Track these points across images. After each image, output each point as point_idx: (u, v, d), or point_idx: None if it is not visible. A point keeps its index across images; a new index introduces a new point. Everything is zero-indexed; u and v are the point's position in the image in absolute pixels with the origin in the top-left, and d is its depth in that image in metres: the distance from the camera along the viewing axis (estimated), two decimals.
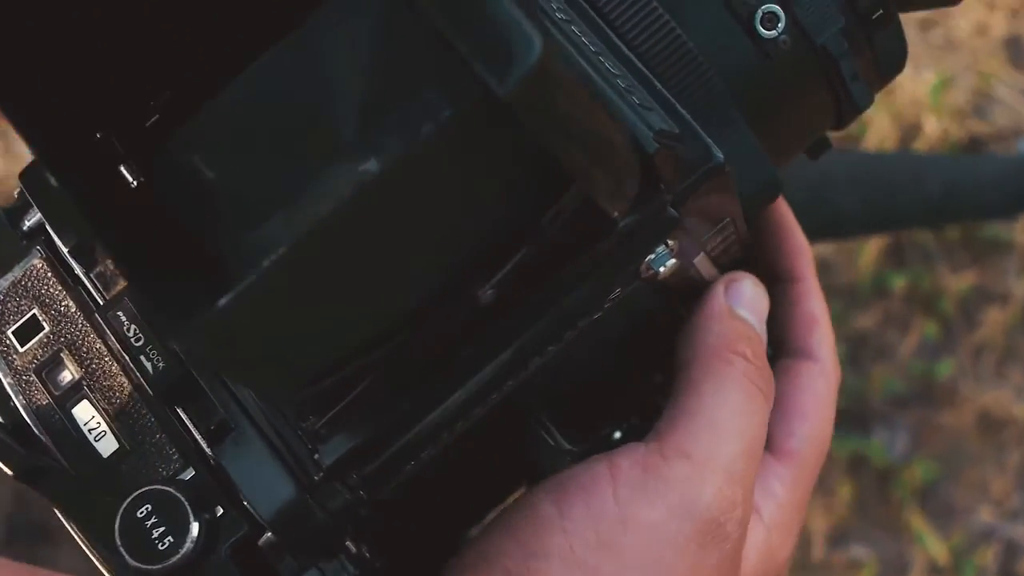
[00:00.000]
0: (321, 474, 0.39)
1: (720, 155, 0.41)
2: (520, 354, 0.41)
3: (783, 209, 0.53)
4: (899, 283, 1.41)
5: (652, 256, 0.41)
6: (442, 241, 0.35)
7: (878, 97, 0.48)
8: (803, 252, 0.52)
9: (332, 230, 0.31)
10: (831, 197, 0.68)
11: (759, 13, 0.44)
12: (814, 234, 0.70)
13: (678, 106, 0.41)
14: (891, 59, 0.47)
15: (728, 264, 0.48)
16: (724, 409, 0.44)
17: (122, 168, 0.38)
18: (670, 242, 0.41)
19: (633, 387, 0.47)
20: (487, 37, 0.29)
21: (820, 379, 0.50)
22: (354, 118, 0.35)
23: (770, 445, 0.49)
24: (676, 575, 0.42)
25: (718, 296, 0.46)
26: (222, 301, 0.31)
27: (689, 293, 0.47)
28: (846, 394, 1.38)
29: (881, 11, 0.45)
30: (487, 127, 0.31)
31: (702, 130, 0.42)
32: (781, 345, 0.51)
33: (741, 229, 0.45)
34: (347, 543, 0.41)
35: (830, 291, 1.43)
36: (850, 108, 0.46)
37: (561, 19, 0.40)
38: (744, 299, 0.46)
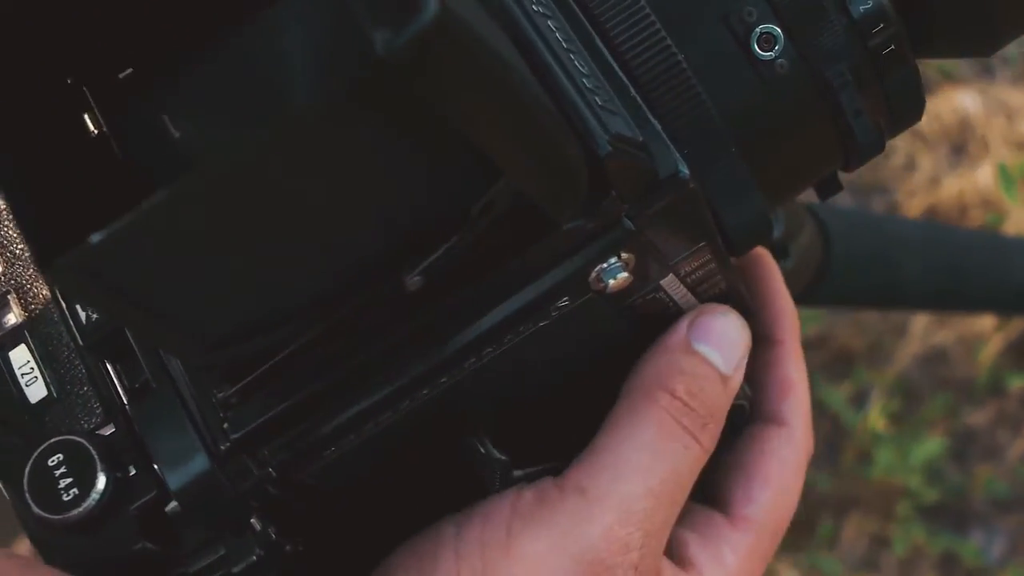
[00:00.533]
0: (228, 444, 0.38)
1: (686, 170, 0.39)
2: (453, 350, 0.39)
3: (770, 268, 0.51)
4: (1017, 383, 1.36)
5: (604, 266, 0.39)
6: (354, 216, 0.34)
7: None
8: (786, 314, 0.50)
9: (208, 185, 0.30)
10: (895, 258, 0.65)
11: (756, 32, 0.41)
12: (867, 295, 0.67)
13: (650, 116, 0.39)
14: (905, 103, 0.44)
15: (711, 299, 0.46)
16: (632, 446, 0.42)
17: (85, 117, 0.38)
18: (624, 255, 0.39)
19: (594, 418, 0.45)
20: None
21: (788, 446, 0.48)
22: (290, 86, 0.34)
23: (727, 509, 0.47)
24: None
25: (679, 327, 0.44)
26: (94, 238, 0.30)
27: (666, 324, 0.45)
28: (946, 489, 1.33)
29: (893, 47, 0.42)
30: (384, 95, 0.30)
31: (683, 151, 0.40)
32: (754, 409, 0.49)
33: (722, 259, 0.43)
34: (252, 520, 0.40)
35: (944, 382, 1.38)
36: (856, 148, 0.44)
37: (536, 11, 0.39)
38: (711, 334, 0.44)
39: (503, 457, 0.42)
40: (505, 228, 0.37)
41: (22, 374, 0.41)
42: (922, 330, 1.40)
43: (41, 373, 0.41)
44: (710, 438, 0.44)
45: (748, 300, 0.48)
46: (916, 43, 0.45)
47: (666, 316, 0.45)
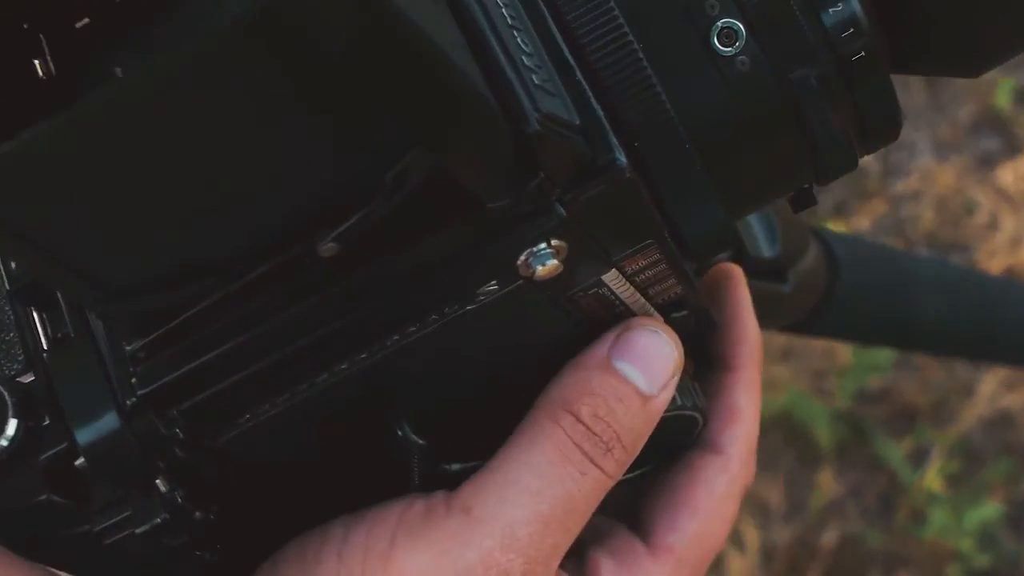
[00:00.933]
0: (134, 400, 0.38)
1: (623, 159, 0.38)
2: (372, 323, 0.38)
3: (738, 289, 0.49)
4: None
5: (532, 251, 0.38)
6: (258, 171, 0.33)
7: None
8: (746, 341, 0.48)
9: (90, 121, 0.30)
10: (912, 293, 0.63)
11: (717, 26, 0.40)
12: (878, 330, 0.65)
13: (594, 102, 0.38)
14: (878, 117, 0.42)
15: (666, 305, 0.44)
16: (524, 468, 0.41)
17: (36, 62, 0.38)
18: (554, 242, 0.38)
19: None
20: None
21: (721, 475, 0.46)
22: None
23: (649, 538, 0.45)
24: None
25: (602, 342, 0.42)
26: None
27: (613, 323, 0.43)
28: (999, 556, 1.29)
29: (863, 55, 0.41)
30: (280, 32, 0.29)
31: (632, 144, 0.39)
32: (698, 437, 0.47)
33: (674, 261, 0.42)
34: (158, 481, 0.39)
35: (1008, 448, 1.35)
36: (824, 160, 0.42)
37: None
38: (635, 351, 0.42)
39: (421, 441, 0.41)
40: (425, 201, 0.36)
41: None
42: (990, 392, 1.36)
43: None
44: (615, 464, 0.42)
45: (707, 309, 0.46)
46: (898, 57, 0.43)
47: (615, 318, 0.43)
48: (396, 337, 0.39)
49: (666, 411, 0.45)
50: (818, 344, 1.48)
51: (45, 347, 0.40)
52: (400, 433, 0.41)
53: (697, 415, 0.46)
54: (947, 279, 0.66)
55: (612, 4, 0.40)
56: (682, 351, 0.44)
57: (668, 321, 0.45)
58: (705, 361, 0.49)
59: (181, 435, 0.39)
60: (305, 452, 0.42)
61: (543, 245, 0.38)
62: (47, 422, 0.40)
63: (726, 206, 0.43)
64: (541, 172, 0.36)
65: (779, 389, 1.45)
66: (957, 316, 0.66)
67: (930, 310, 0.65)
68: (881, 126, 0.43)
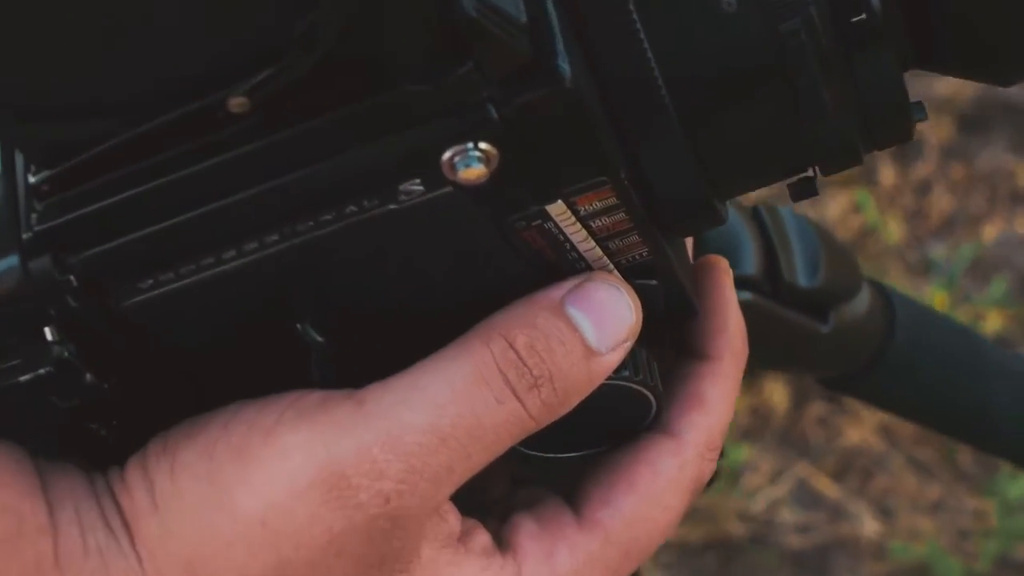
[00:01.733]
0: (30, 235, 0.36)
1: (567, 68, 0.35)
2: (284, 202, 0.36)
3: (722, 279, 0.46)
4: None
5: (457, 149, 0.35)
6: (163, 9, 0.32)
7: None
8: (725, 331, 0.45)
9: None
10: (984, 382, 0.58)
11: None
12: (934, 410, 0.60)
13: (549, 6, 0.36)
14: (881, 105, 0.39)
15: (632, 268, 0.41)
16: (436, 379, 0.38)
17: None
18: (482, 144, 0.35)
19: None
20: None
21: (671, 459, 0.43)
22: None
23: (579, 509, 0.42)
24: (292, 519, 0.37)
25: (558, 287, 0.40)
26: None
27: (571, 274, 0.41)
28: None
29: (864, 16, 0.37)
30: None
31: (602, 80, 0.37)
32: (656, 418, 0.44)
33: (634, 212, 0.39)
34: (46, 330, 0.38)
35: None
36: (815, 132, 0.39)
37: None
38: (591, 302, 0.40)
39: (319, 339, 0.38)
40: (344, 72, 0.34)
41: None
42: None
43: None
44: (540, 406, 0.39)
45: (684, 288, 0.43)
46: (920, 51, 0.40)
47: (570, 265, 0.40)
48: (310, 223, 0.37)
49: (616, 380, 0.42)
50: (970, 502, 1.41)
51: None
52: (299, 328, 0.38)
53: (648, 394, 0.43)
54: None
55: None
56: (641, 317, 0.41)
57: (633, 287, 0.42)
58: (683, 353, 0.46)
59: (75, 283, 0.37)
60: (211, 339, 0.40)
61: (470, 145, 0.35)
62: None
63: (707, 174, 0.40)
64: (471, 61, 0.34)
65: (921, 540, 1.39)
66: None
67: (1006, 405, 0.60)
68: (885, 115, 0.40)
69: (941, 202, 1.51)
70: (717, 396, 0.44)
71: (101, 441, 0.41)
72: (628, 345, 0.40)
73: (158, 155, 0.36)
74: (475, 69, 0.34)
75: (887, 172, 1.51)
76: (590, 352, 0.40)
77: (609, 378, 0.42)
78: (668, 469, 0.43)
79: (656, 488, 0.42)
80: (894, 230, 1.46)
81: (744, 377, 0.49)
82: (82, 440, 0.41)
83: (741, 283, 0.51)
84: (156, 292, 0.38)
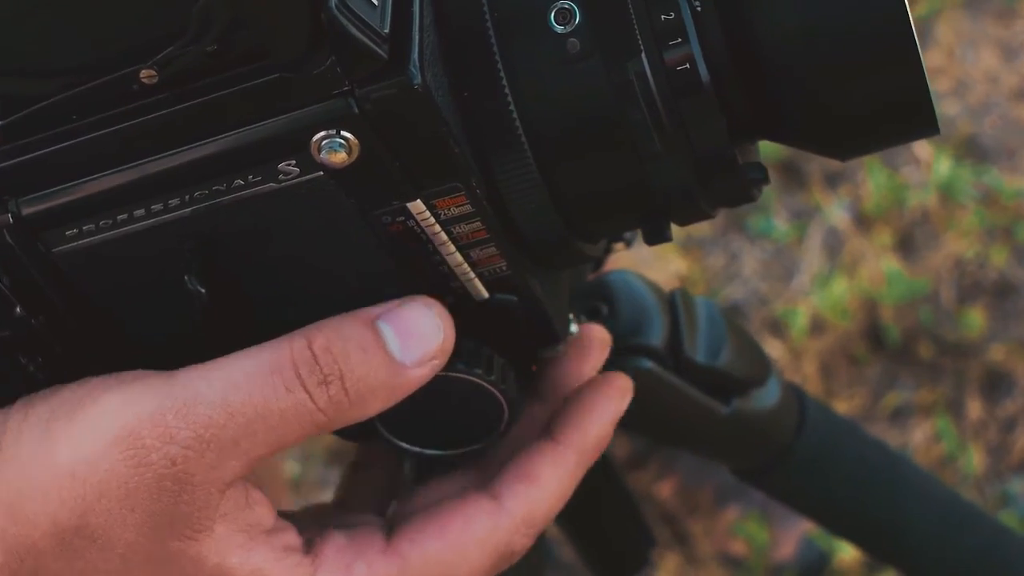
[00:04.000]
0: None
1: (418, 78, 0.42)
2: (183, 167, 0.44)
3: (596, 352, 0.51)
4: None
5: (324, 134, 0.43)
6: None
7: None
8: (581, 427, 0.49)
9: None
10: (897, 497, 0.61)
11: (555, 5, 0.45)
12: (848, 522, 0.64)
13: (415, 28, 0.43)
14: (713, 159, 0.45)
15: (492, 281, 0.48)
16: (237, 364, 0.44)
17: None
18: (344, 133, 0.43)
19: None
20: None
21: (486, 519, 0.47)
22: None
23: (390, 535, 0.47)
24: (95, 472, 0.43)
25: (380, 306, 0.45)
26: None
27: (435, 276, 0.47)
28: None
29: (687, 66, 0.44)
30: None
31: (460, 97, 0.44)
32: (481, 476, 0.49)
33: (487, 218, 0.45)
34: None
35: None
36: (654, 176, 0.45)
37: None
38: (401, 319, 0.45)
39: (201, 289, 0.45)
40: (233, 57, 0.42)
41: None
42: None
43: None
44: (327, 400, 0.44)
45: (546, 311, 0.49)
46: (763, 121, 0.46)
47: (433, 268, 0.47)
48: (205, 192, 0.45)
49: (468, 376, 0.48)
50: None
51: None
52: (186, 278, 0.45)
53: (499, 396, 0.48)
54: (947, 503, 0.64)
55: None
56: (452, 339, 0.46)
57: (492, 299, 0.48)
58: (545, 383, 0.52)
59: (11, 221, 0.45)
60: (123, 294, 0.47)
61: (334, 132, 0.43)
62: None
63: (564, 212, 0.47)
64: (331, 57, 0.42)
65: None
66: (957, 548, 0.64)
67: (920, 523, 0.63)
68: (718, 171, 0.46)
69: None
70: (550, 478, 0.48)
71: (30, 377, 0.48)
72: (437, 363, 0.46)
73: (85, 117, 0.44)
74: (337, 64, 0.42)
75: (974, 405, 1.54)
76: (393, 363, 0.45)
77: (461, 372, 0.48)
78: (480, 527, 0.47)
79: (463, 540, 0.47)
80: (976, 461, 1.48)
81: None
82: (12, 374, 0.48)
83: (644, 351, 0.57)
84: (79, 243, 0.45)
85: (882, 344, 1.57)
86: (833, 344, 1.56)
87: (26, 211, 0.45)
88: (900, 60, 0.44)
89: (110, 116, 0.44)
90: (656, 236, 0.48)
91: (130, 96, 0.43)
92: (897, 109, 0.45)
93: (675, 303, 0.59)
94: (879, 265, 1.59)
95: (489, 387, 0.48)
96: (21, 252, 0.45)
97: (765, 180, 0.47)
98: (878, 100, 0.45)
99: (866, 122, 0.46)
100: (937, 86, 1.76)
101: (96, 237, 0.45)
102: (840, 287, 1.56)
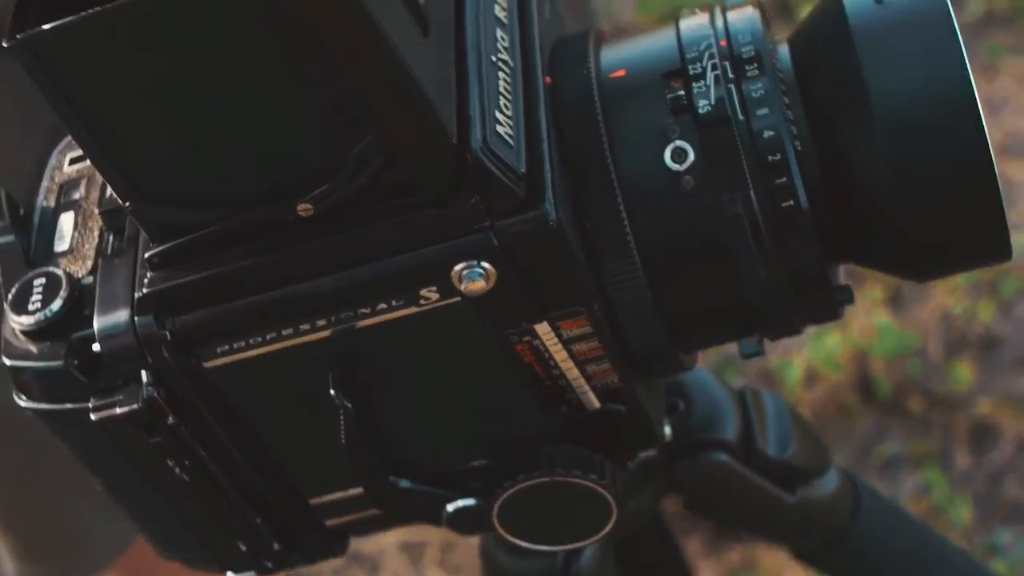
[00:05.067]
0: (140, 295, 0.48)
1: (552, 215, 0.47)
2: (331, 291, 0.48)
3: None
4: None
5: (465, 265, 0.47)
6: (262, 118, 0.44)
7: None
8: None
9: (142, 14, 0.42)
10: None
11: (673, 145, 0.49)
12: None
13: (547, 165, 0.47)
14: (808, 281, 0.49)
15: (604, 392, 0.52)
16: None
17: None
18: (484, 264, 0.47)
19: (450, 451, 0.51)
20: None
21: None
22: None
23: None
24: None
25: None
26: (48, 25, 0.42)
27: (553, 390, 0.51)
28: None
29: (792, 203, 0.48)
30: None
31: (584, 224, 0.48)
32: None
33: (606, 341, 0.50)
34: (143, 372, 0.49)
35: None
36: (756, 299, 0.50)
37: (500, 18, 0.48)
38: None
39: (348, 404, 0.49)
40: (382, 193, 0.46)
41: (60, 232, 0.53)
42: None
43: (72, 232, 0.53)
44: None
45: (649, 415, 0.53)
46: (845, 245, 0.51)
47: (554, 382, 0.51)
48: (351, 313, 0.48)
49: (581, 479, 0.52)
50: None
51: (106, 248, 0.52)
52: (333, 393, 0.49)
53: (610, 497, 0.53)
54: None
55: (596, 96, 0.50)
56: None
57: (603, 409, 0.52)
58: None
59: (169, 339, 0.49)
60: (268, 405, 0.51)
61: (474, 262, 0.47)
62: (87, 312, 0.51)
63: (669, 327, 0.51)
64: (475, 195, 0.46)
65: None
66: None
67: None
68: (813, 292, 0.50)
69: (1011, 491, 1.57)
70: None
71: (178, 482, 0.52)
72: None
73: (242, 245, 0.48)
74: (480, 202, 0.46)
75: (963, 457, 1.59)
76: None
77: (578, 478, 0.52)
78: None
79: None
80: (964, 512, 1.53)
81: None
82: (161, 475, 0.52)
83: (718, 445, 0.61)
84: (229, 358, 0.49)
85: (873, 396, 1.62)
86: (825, 396, 1.61)
87: (183, 329, 0.49)
88: (981, 199, 0.48)
89: (265, 244, 0.48)
90: (751, 349, 0.52)
91: (285, 226, 0.47)
92: (975, 239, 0.50)
93: (746, 400, 0.63)
94: (870, 319, 1.64)
95: (602, 491, 0.52)
96: (176, 366, 0.49)
97: (851, 300, 0.52)
98: (958, 232, 0.49)
99: (945, 250, 0.50)
100: None
101: (245, 353, 0.49)
102: (833, 340, 1.61)
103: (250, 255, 0.48)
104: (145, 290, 0.48)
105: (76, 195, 0.55)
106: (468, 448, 0.53)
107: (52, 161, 0.56)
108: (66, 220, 0.54)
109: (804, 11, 1.84)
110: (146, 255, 0.49)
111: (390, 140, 0.44)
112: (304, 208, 0.46)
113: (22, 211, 0.55)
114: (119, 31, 0.42)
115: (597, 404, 0.52)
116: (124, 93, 0.44)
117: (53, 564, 0.86)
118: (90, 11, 0.42)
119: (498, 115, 0.47)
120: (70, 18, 0.42)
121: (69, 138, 0.56)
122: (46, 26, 0.42)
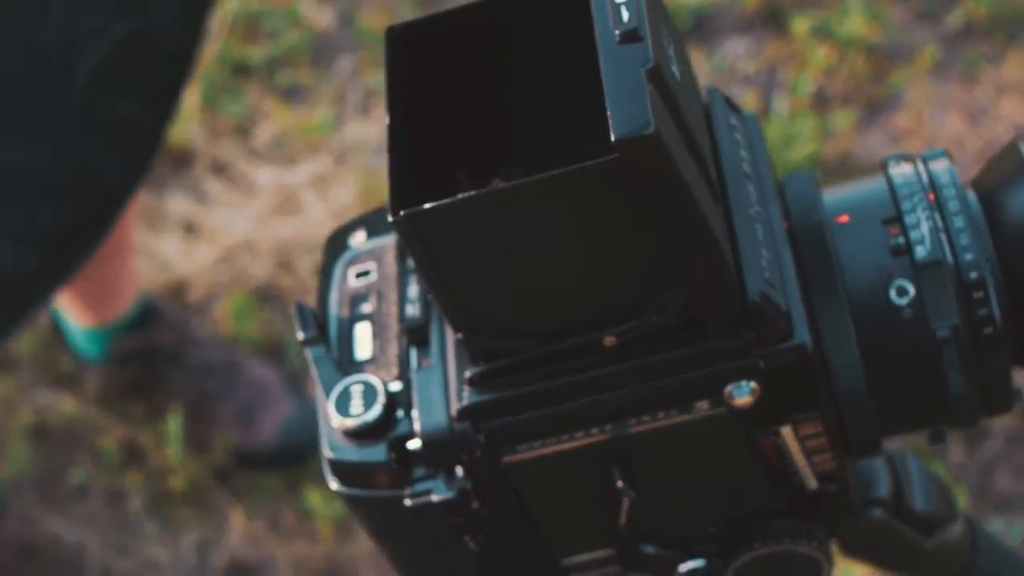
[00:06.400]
0: (460, 407, 0.59)
1: (809, 341, 0.58)
2: (623, 403, 0.58)
3: None
4: None
5: (736, 383, 0.58)
6: (585, 270, 0.55)
7: None
8: None
9: (511, 197, 0.52)
10: None
11: (896, 283, 0.60)
12: None
13: (799, 301, 0.58)
14: (995, 387, 0.61)
15: (822, 475, 0.63)
16: None
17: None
18: (751, 383, 0.58)
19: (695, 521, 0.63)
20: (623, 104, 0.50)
21: None
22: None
23: None
24: None
25: None
26: (427, 205, 0.52)
27: (783, 475, 0.62)
28: None
29: (991, 329, 0.60)
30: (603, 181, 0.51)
31: (817, 335, 0.59)
32: None
33: (833, 438, 0.61)
34: (457, 468, 0.59)
35: None
36: (954, 401, 0.61)
37: (748, 172, 0.59)
38: None
39: (632, 492, 0.60)
40: (680, 328, 0.57)
41: (357, 340, 0.64)
42: None
43: (372, 342, 0.63)
44: None
45: (854, 494, 0.64)
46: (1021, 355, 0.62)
47: (785, 471, 0.62)
48: (634, 421, 0.59)
49: (805, 548, 0.63)
50: None
51: (411, 369, 0.62)
52: (619, 484, 0.60)
53: (826, 562, 0.64)
54: None
55: (828, 239, 0.61)
56: None
57: (820, 489, 0.64)
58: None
59: (482, 439, 0.59)
60: (551, 495, 0.62)
61: (744, 382, 0.58)
62: (401, 415, 0.61)
63: (882, 420, 0.62)
64: (753, 332, 0.57)
65: None
66: None
67: None
68: (996, 393, 0.62)
69: (1002, 481, 1.71)
70: None
71: (470, 554, 0.62)
72: None
73: (550, 367, 0.58)
74: (755, 337, 0.57)
75: (957, 450, 1.72)
76: None
77: (803, 547, 0.63)
78: None
79: None
80: (960, 502, 1.67)
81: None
82: (458, 549, 0.62)
83: (876, 503, 0.73)
84: (524, 455, 0.60)
85: None
86: None
87: (493, 433, 0.59)
88: None
89: (571, 367, 0.58)
90: (939, 438, 0.64)
91: (590, 354, 0.58)
92: None
93: (894, 461, 0.75)
94: None
95: (819, 556, 0.63)
96: (485, 462, 0.60)
97: (1021, 399, 0.63)
98: None
99: None
100: (908, 147, 1.93)
101: (539, 451, 0.60)
102: None
103: (556, 376, 0.58)
104: (466, 403, 0.59)
105: (367, 308, 0.65)
106: (705, 519, 0.64)
107: (337, 273, 0.66)
108: (362, 330, 0.64)
109: (796, 23, 1.95)
110: (467, 374, 0.59)
111: (694, 289, 0.55)
112: (610, 340, 0.57)
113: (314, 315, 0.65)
114: (481, 212, 0.52)
115: (815, 484, 0.63)
116: (480, 256, 0.54)
117: None
118: (464, 195, 0.52)
119: (762, 262, 0.58)
120: (447, 200, 0.52)
121: (351, 251, 0.66)
122: (427, 205, 0.52)
